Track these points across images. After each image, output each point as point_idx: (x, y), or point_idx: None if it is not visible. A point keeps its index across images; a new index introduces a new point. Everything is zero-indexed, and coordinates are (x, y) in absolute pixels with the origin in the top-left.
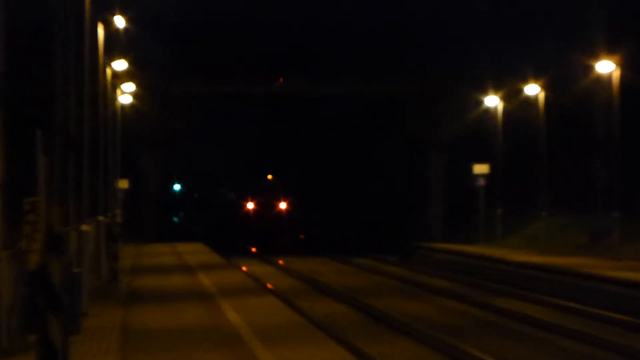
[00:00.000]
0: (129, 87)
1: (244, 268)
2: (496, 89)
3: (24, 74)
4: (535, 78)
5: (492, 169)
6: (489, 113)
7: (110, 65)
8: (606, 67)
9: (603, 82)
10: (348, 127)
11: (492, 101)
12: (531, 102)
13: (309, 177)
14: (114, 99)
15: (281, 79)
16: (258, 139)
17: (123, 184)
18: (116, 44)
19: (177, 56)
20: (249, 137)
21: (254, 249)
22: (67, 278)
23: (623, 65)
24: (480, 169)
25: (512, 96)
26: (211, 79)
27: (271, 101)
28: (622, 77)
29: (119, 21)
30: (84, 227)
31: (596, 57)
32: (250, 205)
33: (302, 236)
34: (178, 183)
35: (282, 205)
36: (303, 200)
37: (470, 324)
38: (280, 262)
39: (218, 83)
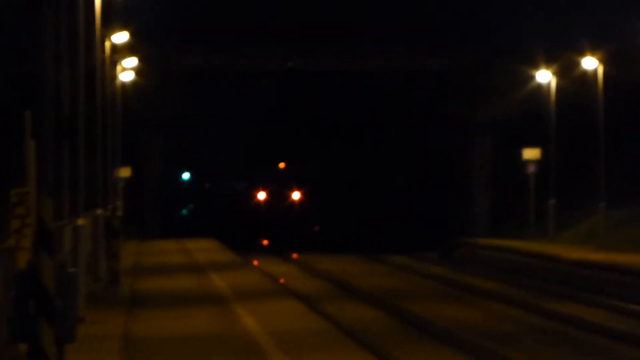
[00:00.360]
0: (130, 62)
1: (257, 264)
2: (548, 62)
3: (11, 48)
4: (593, 50)
5: (544, 154)
6: (541, 90)
7: (109, 39)
8: None
9: None
10: (380, 107)
11: (544, 77)
12: (589, 78)
13: (332, 164)
14: (114, 76)
15: (291, 63)
16: (276, 120)
17: (124, 172)
18: (115, 14)
19: (184, 27)
20: (265, 119)
21: (265, 242)
22: (61, 279)
23: None
24: (531, 154)
25: (567, 71)
26: (223, 53)
27: (292, 78)
28: None
29: None
30: (80, 222)
31: None
32: (261, 196)
33: (317, 228)
34: (187, 171)
35: (296, 196)
36: (320, 190)
37: (522, 331)
38: (295, 256)
39: (232, 57)
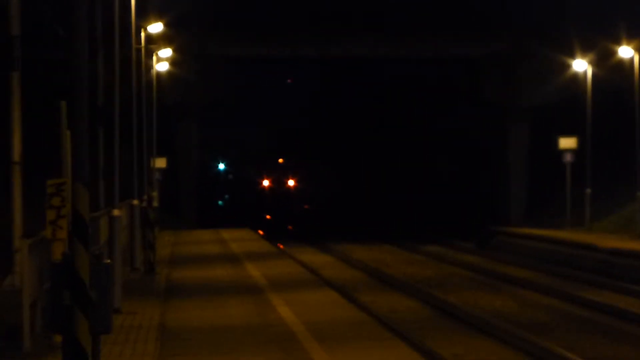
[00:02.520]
0: (166, 52)
1: (280, 246)
2: (584, 50)
3: (48, 37)
4: (629, 39)
5: (580, 142)
6: (577, 78)
7: (145, 29)
8: None
9: None
10: (412, 93)
11: (580, 65)
12: (625, 67)
13: (365, 152)
14: (150, 66)
15: (290, 80)
16: (307, 109)
17: (160, 162)
18: (151, 4)
19: (220, 16)
20: (297, 107)
21: (268, 217)
22: (97, 270)
23: None
24: (567, 143)
25: (603, 60)
26: (257, 42)
27: (326, 66)
28: None
29: None
30: (116, 212)
31: None
32: (265, 183)
33: (306, 206)
34: (222, 162)
35: (290, 182)
36: (315, 176)
37: (557, 320)
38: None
39: (266, 46)
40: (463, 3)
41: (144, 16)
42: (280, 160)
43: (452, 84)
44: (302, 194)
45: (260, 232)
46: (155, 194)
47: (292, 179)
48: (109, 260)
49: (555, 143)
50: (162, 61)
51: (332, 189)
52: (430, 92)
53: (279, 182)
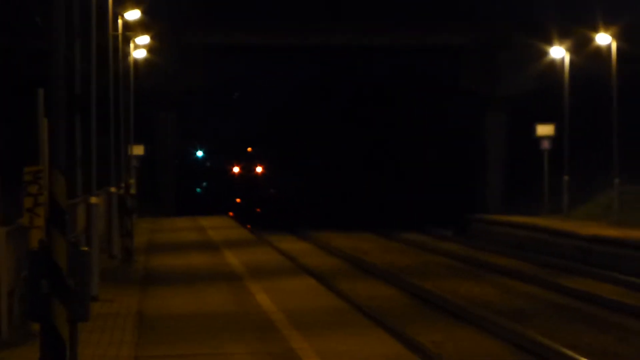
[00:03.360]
0: (143, 40)
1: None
2: (562, 38)
3: (26, 26)
4: (606, 26)
5: (558, 130)
6: (555, 66)
7: (122, 16)
8: None
9: None
10: (393, 83)
11: (558, 52)
12: (602, 54)
13: (345, 142)
14: (127, 53)
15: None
16: (285, 100)
17: (138, 150)
18: None
19: (197, 3)
20: (275, 97)
21: (238, 200)
22: (74, 258)
23: None
24: (545, 130)
25: (581, 47)
26: (238, 30)
27: (303, 55)
28: None
29: None
30: (94, 200)
31: None
32: (236, 169)
33: (271, 191)
34: (200, 149)
35: (258, 169)
36: (282, 164)
37: (536, 308)
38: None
39: (247, 34)
40: None
41: (122, 3)
42: (249, 149)
43: (430, 73)
44: (269, 180)
45: (231, 213)
46: (132, 181)
47: (260, 166)
48: (86, 248)
49: (533, 131)
50: (140, 48)
51: (299, 176)
52: (409, 80)
53: (248, 169)
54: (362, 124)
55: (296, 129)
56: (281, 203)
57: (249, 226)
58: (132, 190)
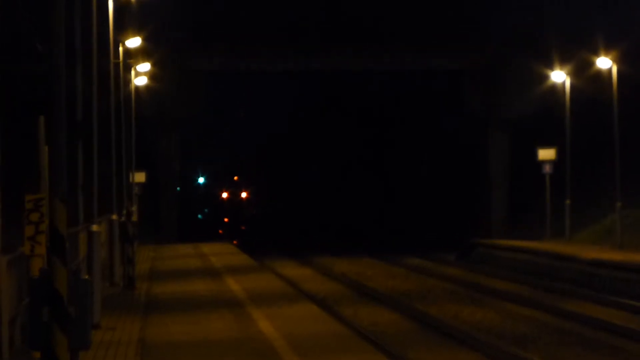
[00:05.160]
0: (144, 67)
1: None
2: (563, 61)
3: (27, 51)
4: (607, 50)
5: (559, 153)
6: (556, 89)
7: (123, 43)
8: None
9: None
10: (396, 106)
11: (559, 76)
12: (603, 77)
13: (341, 164)
14: (128, 80)
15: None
16: (284, 122)
17: (139, 177)
18: (129, 19)
19: (199, 30)
20: (271, 122)
21: (226, 219)
22: (75, 286)
23: None
24: (546, 154)
25: (581, 70)
26: (238, 55)
27: (303, 79)
28: None
29: None
30: (95, 228)
31: None
32: (224, 195)
33: (254, 211)
34: (202, 176)
35: (243, 195)
36: (263, 190)
37: (539, 332)
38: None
39: (247, 59)
40: (443, 15)
41: (123, 30)
42: (236, 178)
43: (434, 95)
44: (251, 203)
45: (220, 231)
46: (134, 208)
47: (244, 191)
48: (87, 276)
49: (535, 154)
50: (141, 75)
51: (278, 200)
52: (412, 103)
53: (234, 194)
54: (365, 145)
55: (281, 158)
56: (261, 222)
57: (235, 242)
58: (134, 217)
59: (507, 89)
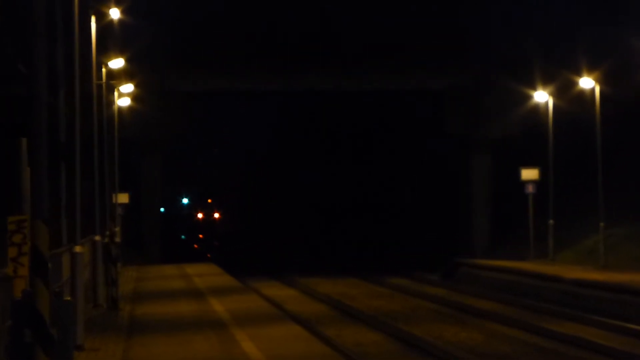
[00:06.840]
0: (127, 88)
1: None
2: (545, 82)
3: (9, 73)
4: (589, 70)
5: (542, 173)
6: (538, 109)
7: (106, 65)
8: None
9: None
10: (377, 127)
11: (541, 96)
12: (586, 98)
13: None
14: (111, 102)
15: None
16: (265, 144)
17: (122, 198)
18: (112, 40)
19: (179, 50)
20: (257, 141)
21: (200, 236)
22: (58, 308)
23: None
24: (529, 174)
25: (564, 91)
26: (220, 76)
27: (284, 100)
28: None
29: (114, 13)
30: (78, 249)
31: None
32: (200, 215)
33: (224, 230)
34: (186, 197)
35: (216, 215)
36: (233, 210)
37: (522, 352)
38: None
39: (230, 80)
40: (424, 36)
41: (105, 52)
42: (209, 200)
43: (417, 116)
44: (223, 222)
45: (195, 245)
46: (117, 229)
47: (216, 212)
48: (69, 298)
49: (518, 174)
50: (124, 96)
51: (250, 218)
52: (396, 123)
53: (208, 215)
54: (348, 165)
55: (260, 178)
56: (231, 239)
57: (208, 255)
58: (117, 238)
59: (489, 109)
